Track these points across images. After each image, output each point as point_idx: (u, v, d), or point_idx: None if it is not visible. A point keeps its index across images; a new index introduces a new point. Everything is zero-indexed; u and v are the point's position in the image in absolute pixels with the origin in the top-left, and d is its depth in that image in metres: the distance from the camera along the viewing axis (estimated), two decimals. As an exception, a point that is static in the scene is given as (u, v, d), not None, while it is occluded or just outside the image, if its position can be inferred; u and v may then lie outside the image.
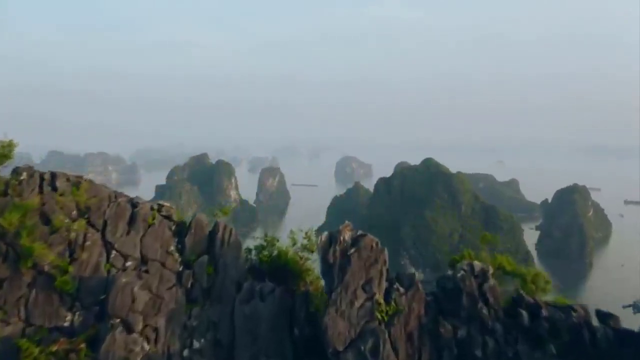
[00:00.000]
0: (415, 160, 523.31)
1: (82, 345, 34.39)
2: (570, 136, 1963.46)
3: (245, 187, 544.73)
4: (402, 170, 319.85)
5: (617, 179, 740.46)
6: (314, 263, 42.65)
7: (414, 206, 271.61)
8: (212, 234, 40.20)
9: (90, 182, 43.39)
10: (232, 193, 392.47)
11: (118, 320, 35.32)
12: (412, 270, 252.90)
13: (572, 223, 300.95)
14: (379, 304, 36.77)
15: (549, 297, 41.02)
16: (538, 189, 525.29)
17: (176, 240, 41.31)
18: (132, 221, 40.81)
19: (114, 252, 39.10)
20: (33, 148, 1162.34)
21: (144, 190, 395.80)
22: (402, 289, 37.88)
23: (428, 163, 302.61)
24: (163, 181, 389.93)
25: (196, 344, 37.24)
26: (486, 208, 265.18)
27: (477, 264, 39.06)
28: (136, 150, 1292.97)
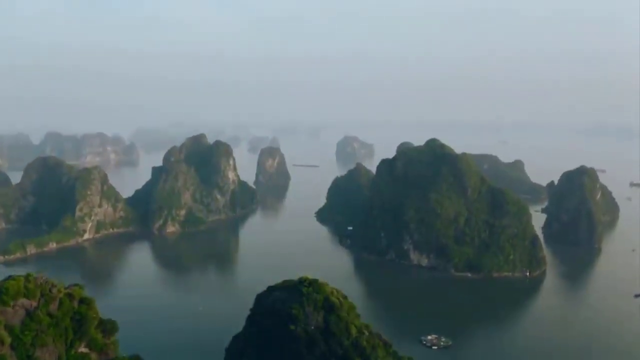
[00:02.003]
0: (417, 139, 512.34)
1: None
2: (570, 115, 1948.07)
3: (246, 167, 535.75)
4: (405, 151, 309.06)
5: (620, 160, 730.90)
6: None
7: (418, 188, 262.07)
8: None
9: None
10: (230, 174, 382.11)
11: None
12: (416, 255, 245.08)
13: (581, 207, 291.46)
14: None
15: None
16: (542, 170, 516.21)
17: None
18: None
19: None
20: (32, 129, 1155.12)
21: (143, 171, 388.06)
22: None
23: (432, 144, 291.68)
24: (162, 162, 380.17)
25: None
26: (493, 191, 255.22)
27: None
28: (136, 130, 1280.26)
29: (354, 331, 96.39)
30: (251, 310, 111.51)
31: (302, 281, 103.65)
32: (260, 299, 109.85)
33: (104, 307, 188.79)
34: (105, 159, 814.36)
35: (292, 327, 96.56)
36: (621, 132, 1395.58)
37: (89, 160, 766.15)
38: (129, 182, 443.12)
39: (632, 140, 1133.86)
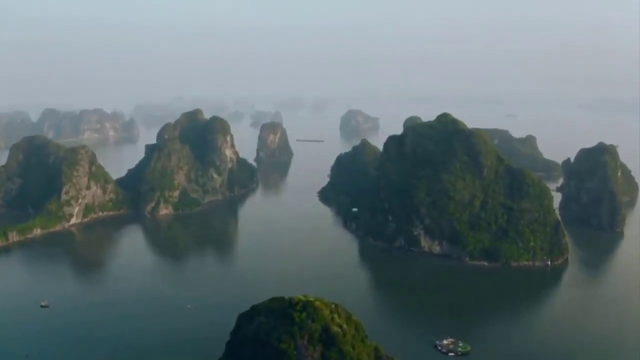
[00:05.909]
0: (422, 113, 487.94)
1: None
2: (575, 88, 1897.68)
3: (249, 142, 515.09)
4: (415, 127, 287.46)
5: (632, 135, 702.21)
6: None
7: (429, 168, 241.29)
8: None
9: None
10: (228, 152, 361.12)
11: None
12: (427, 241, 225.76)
13: (603, 187, 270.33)
14: None
15: None
16: (555, 146, 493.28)
17: None
18: None
19: None
20: (31, 106, 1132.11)
21: (142, 148, 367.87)
22: None
23: (444, 119, 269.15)
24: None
25: None
26: (511, 171, 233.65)
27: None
28: (135, 105, 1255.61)
29: (361, 369, 77.58)
30: (231, 334, 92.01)
31: (293, 303, 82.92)
32: (242, 322, 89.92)
33: (89, 300, 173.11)
34: (104, 136, 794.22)
35: (282, 364, 77.59)
36: (629, 106, 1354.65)
37: (87, 137, 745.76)
38: (127, 160, 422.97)
39: (635, 113, 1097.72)
